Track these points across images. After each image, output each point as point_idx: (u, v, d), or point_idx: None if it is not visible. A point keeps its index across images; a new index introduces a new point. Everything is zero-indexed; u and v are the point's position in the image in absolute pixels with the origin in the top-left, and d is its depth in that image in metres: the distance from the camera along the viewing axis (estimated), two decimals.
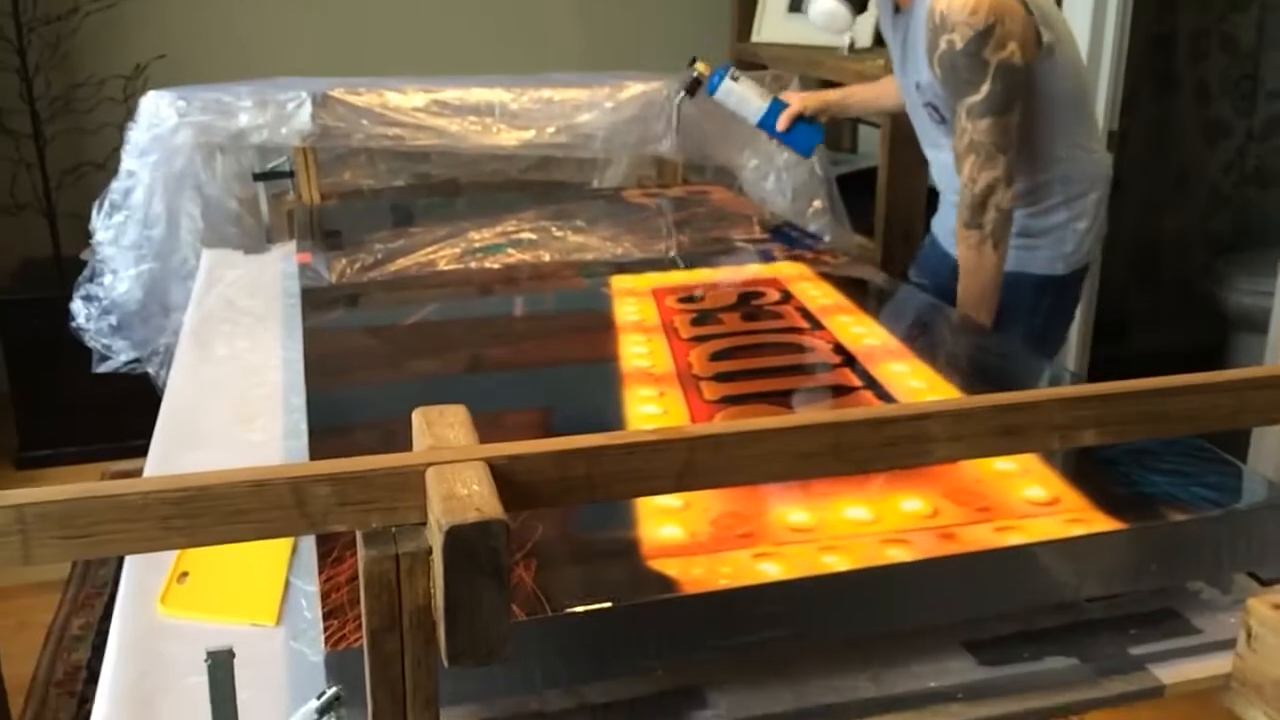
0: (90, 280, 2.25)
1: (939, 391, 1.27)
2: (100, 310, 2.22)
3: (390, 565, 0.62)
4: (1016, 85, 1.64)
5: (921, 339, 1.54)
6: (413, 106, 2.27)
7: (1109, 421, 0.72)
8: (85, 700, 2.15)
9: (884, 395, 1.27)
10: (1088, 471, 1.06)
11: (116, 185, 2.20)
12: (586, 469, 0.66)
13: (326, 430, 1.19)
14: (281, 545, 1.10)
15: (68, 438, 3.03)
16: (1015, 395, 0.72)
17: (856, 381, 1.31)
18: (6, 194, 3.16)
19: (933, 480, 1.04)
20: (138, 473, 2.94)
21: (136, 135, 2.18)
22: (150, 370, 2.28)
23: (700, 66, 2.22)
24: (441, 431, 0.68)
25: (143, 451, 3.09)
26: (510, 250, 2.02)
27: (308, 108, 2.18)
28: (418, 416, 0.71)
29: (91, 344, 2.26)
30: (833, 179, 2.77)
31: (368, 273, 1.87)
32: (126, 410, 2.83)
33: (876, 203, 2.83)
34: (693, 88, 2.24)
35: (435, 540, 0.60)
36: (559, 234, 2.15)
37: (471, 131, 2.31)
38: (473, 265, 1.91)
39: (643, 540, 0.94)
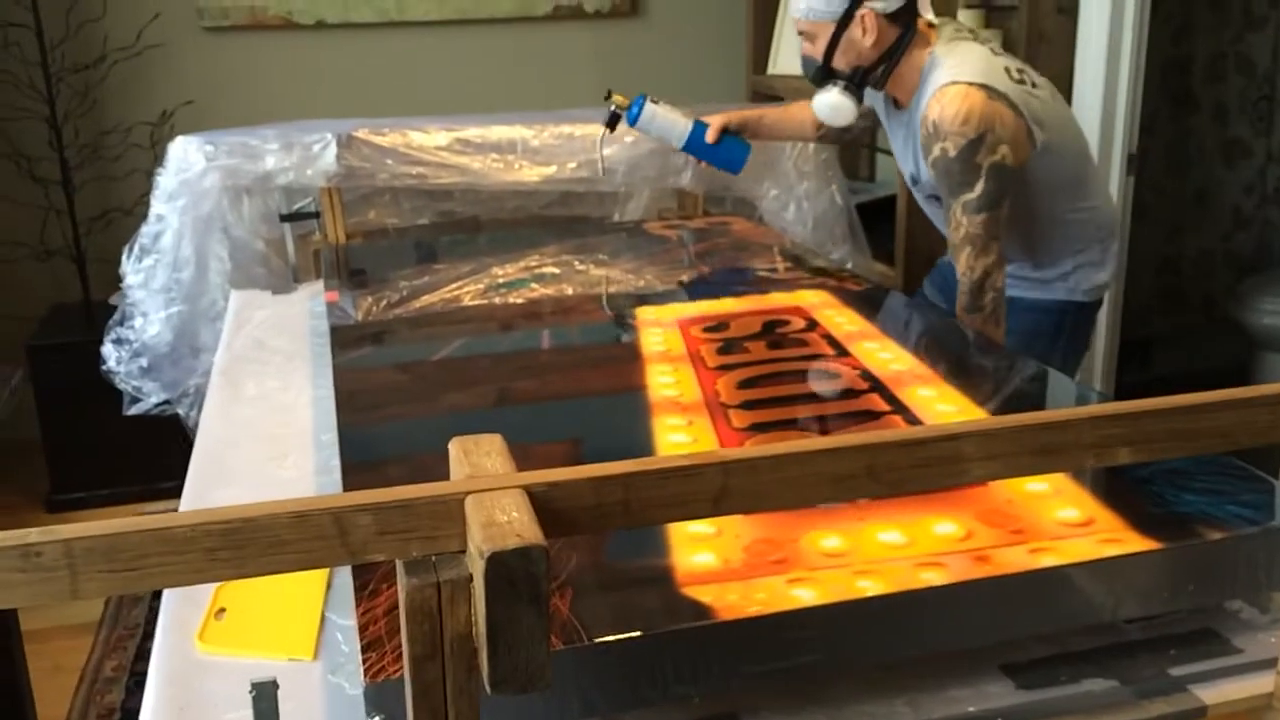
0: (120, 324, 2.29)
1: (969, 415, 1.27)
2: (131, 353, 2.25)
3: (431, 593, 0.62)
4: (1008, 183, 1.69)
5: (948, 363, 1.54)
6: (436, 145, 2.30)
7: (1142, 439, 0.72)
8: None
9: (913, 420, 1.27)
10: (1121, 491, 1.06)
11: (146, 230, 2.24)
12: (623, 494, 0.67)
13: (360, 465, 1.20)
14: (316, 580, 1.11)
15: (98, 480, 3.06)
16: (1048, 414, 0.72)
17: (885, 406, 1.31)
18: (37, 240, 3.22)
19: (964, 503, 1.03)
20: (168, 515, 2.94)
21: (165, 180, 2.22)
22: (180, 411, 2.30)
23: (617, 98, 2.15)
24: (479, 460, 0.69)
25: (173, 493, 3.11)
26: (533, 285, 2.04)
27: (332, 149, 2.22)
28: (455, 446, 0.71)
29: (122, 386, 2.29)
30: (853, 208, 2.78)
31: (393, 310, 1.89)
32: (156, 453, 2.88)
33: (896, 231, 2.84)
34: (612, 121, 2.16)
35: (476, 567, 0.61)
36: (581, 267, 2.16)
37: (494, 169, 2.34)
38: (496, 300, 1.93)
39: (676, 567, 0.94)
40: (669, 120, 2.14)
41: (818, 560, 0.95)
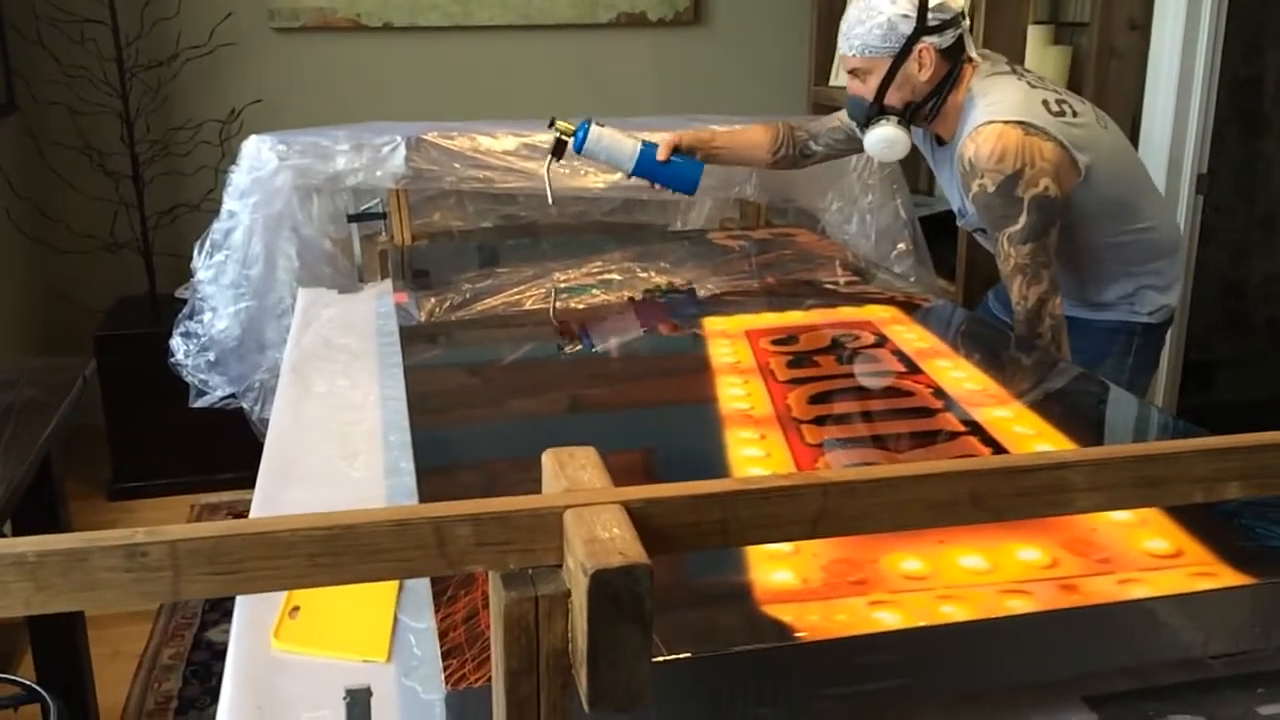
0: (189, 317, 2.32)
1: (1048, 438, 1.25)
2: (199, 347, 2.28)
3: (529, 607, 0.62)
4: (1052, 212, 1.67)
5: (1022, 384, 1.51)
6: (503, 149, 2.31)
7: (1257, 474, 0.70)
8: None
9: (989, 440, 1.25)
10: (1209, 523, 1.03)
11: (217, 226, 2.27)
12: (721, 513, 0.66)
13: (434, 471, 1.20)
14: (390, 582, 1.11)
15: (158, 470, 3.10)
16: (1157, 446, 0.71)
17: (960, 426, 1.29)
18: (107, 233, 3.28)
19: (1049, 530, 1.01)
20: (225, 506, 2.98)
21: (238, 177, 2.25)
22: (245, 405, 2.33)
23: (561, 124, 2.03)
24: (574, 473, 0.69)
25: (230, 485, 3.15)
26: (595, 291, 2.04)
27: (401, 151, 2.24)
28: (549, 458, 0.71)
29: (190, 379, 2.32)
30: (916, 221, 2.76)
31: (456, 312, 1.90)
32: (214, 445, 2.92)
33: (958, 245, 2.81)
34: (559, 149, 2.04)
35: (576, 583, 0.60)
36: (643, 274, 2.16)
37: (559, 174, 2.35)
38: (559, 304, 1.94)
39: (755, 585, 0.93)
40: (616, 143, 2.02)
41: (899, 582, 0.94)
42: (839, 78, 3.42)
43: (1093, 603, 0.92)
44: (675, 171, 2.05)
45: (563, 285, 2.07)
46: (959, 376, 1.45)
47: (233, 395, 2.32)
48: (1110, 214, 1.77)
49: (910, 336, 1.63)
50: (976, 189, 1.67)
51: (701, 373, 1.49)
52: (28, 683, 1.74)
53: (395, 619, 1.07)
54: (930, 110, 1.78)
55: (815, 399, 1.38)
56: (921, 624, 0.88)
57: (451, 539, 0.63)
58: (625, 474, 1.19)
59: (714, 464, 1.19)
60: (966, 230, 1.91)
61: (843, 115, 2.07)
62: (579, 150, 2.04)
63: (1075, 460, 0.69)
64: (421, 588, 1.08)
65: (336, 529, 0.62)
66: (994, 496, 0.69)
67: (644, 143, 2.03)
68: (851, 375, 1.48)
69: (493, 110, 3.35)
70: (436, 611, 0.92)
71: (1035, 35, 2.75)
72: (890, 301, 1.83)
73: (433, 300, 1.95)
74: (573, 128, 2.02)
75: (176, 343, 2.32)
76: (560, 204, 2.55)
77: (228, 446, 2.65)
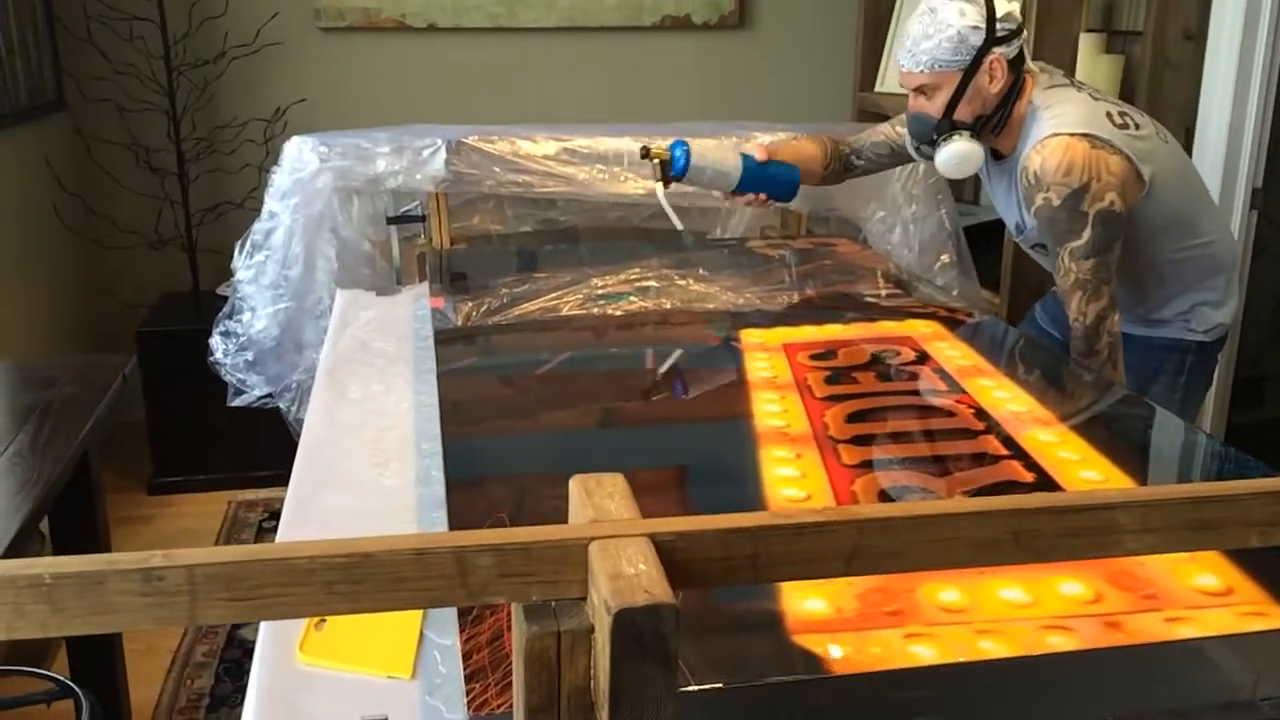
0: (229, 317, 2.33)
1: (1093, 464, 1.21)
2: (237, 346, 2.29)
3: (551, 642, 0.60)
4: (1117, 227, 1.63)
5: (1067, 406, 1.47)
6: (543, 154, 2.30)
7: None
8: None
9: (1032, 465, 1.22)
10: (1261, 560, 1.00)
11: (258, 226, 2.28)
12: (752, 549, 0.64)
13: (464, 484, 1.19)
14: None
15: (198, 466, 3.13)
16: (1211, 487, 0.68)
17: (1002, 450, 1.26)
18: (152, 230, 3.31)
19: (1093, 563, 0.98)
20: (263, 503, 2.98)
21: (279, 178, 2.25)
22: (282, 406, 2.34)
23: (655, 149, 1.93)
24: (601, 502, 0.67)
25: (267, 483, 3.16)
26: (633, 298, 2.02)
27: (442, 154, 2.23)
28: (576, 485, 0.69)
29: (228, 378, 2.33)
30: (961, 231, 2.71)
31: (493, 316, 1.89)
32: (254, 441, 2.94)
33: (1003, 256, 2.75)
34: (664, 177, 1.94)
35: (599, 620, 0.58)
36: (682, 282, 2.14)
37: (599, 180, 2.33)
38: (596, 311, 1.92)
39: (787, 613, 0.91)
40: (721, 160, 1.94)
41: (935, 615, 0.91)
42: (884, 84, 3.38)
43: (1138, 641, 0.88)
44: (777, 177, 1.98)
45: (600, 292, 2.06)
46: (1002, 396, 1.42)
47: (270, 395, 2.33)
48: (1171, 229, 1.73)
49: (953, 353, 1.60)
50: (1041, 202, 1.63)
51: (738, 387, 1.46)
52: (61, 678, 1.75)
53: (421, 635, 1.06)
54: (997, 123, 1.74)
55: (853, 417, 1.35)
56: (958, 660, 0.85)
57: (473, 569, 0.61)
58: (657, 492, 1.18)
59: (748, 483, 1.17)
60: (1024, 246, 1.87)
61: (885, 128, 2.03)
62: (681, 174, 1.93)
63: (1125, 501, 0.66)
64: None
65: (355, 556, 0.60)
66: (1038, 537, 0.66)
67: (745, 156, 1.96)
68: (891, 393, 1.45)
69: (537, 113, 3.34)
70: (461, 631, 0.90)
71: (1087, 44, 2.69)
72: (932, 316, 1.80)
73: (470, 304, 1.94)
74: (666, 153, 1.94)
75: (215, 342, 2.33)
76: (601, 209, 2.53)
77: (267, 443, 2.66)
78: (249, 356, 2.29)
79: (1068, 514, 0.65)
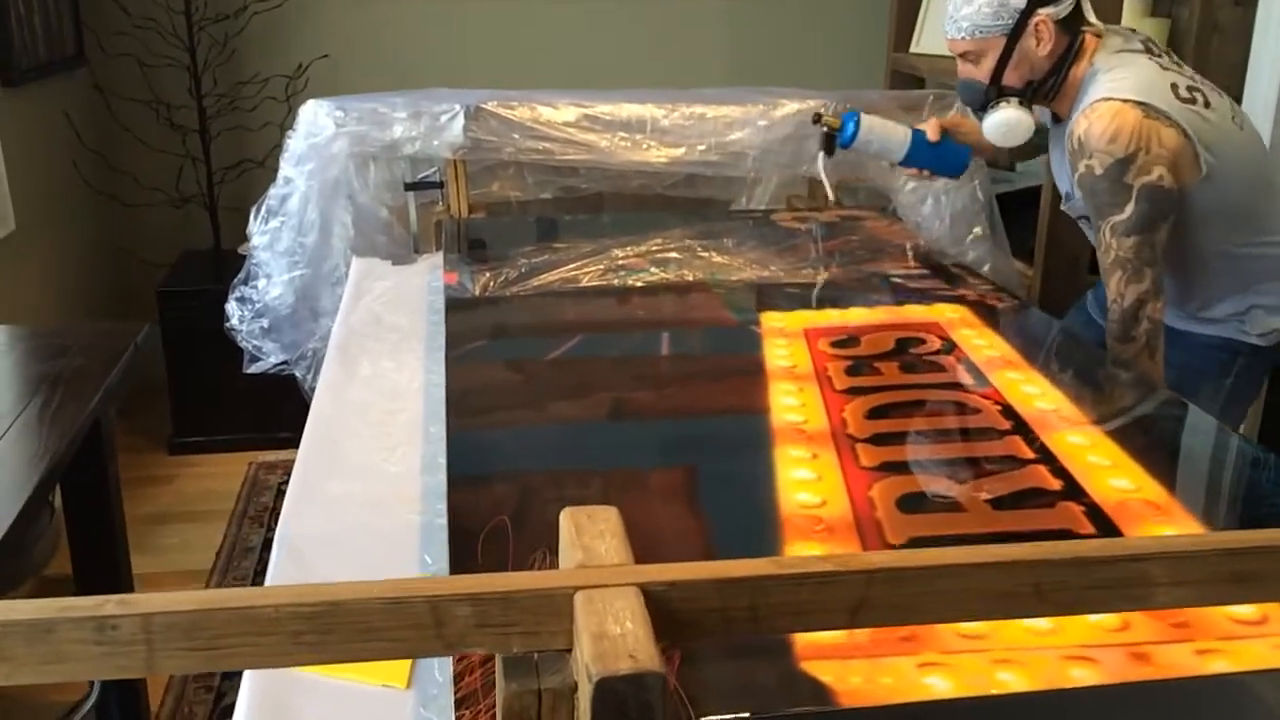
0: (245, 283, 2.30)
1: (1125, 472, 1.16)
2: (253, 313, 2.26)
3: (531, 700, 0.56)
4: (1165, 205, 1.54)
5: (1099, 405, 1.41)
6: (564, 121, 2.23)
7: None
8: (222, 695, 2.20)
9: (1059, 471, 1.16)
10: None
11: (274, 191, 2.24)
12: (750, 599, 0.59)
13: (466, 480, 1.15)
14: None
15: (218, 426, 3.12)
16: (1249, 536, 0.62)
17: (1029, 453, 1.20)
18: (173, 187, 3.28)
19: None
20: (282, 465, 2.94)
21: (295, 143, 2.21)
22: (297, 374, 2.31)
23: (828, 119, 2.01)
24: (591, 542, 0.63)
25: (287, 444, 3.14)
26: (654, 270, 1.97)
27: (460, 120, 2.17)
28: (567, 519, 0.65)
29: (244, 345, 2.31)
30: (994, 203, 2.63)
31: (510, 287, 1.85)
32: (275, 403, 2.91)
33: (1039, 226, 2.67)
34: (829, 146, 2.01)
35: (582, 679, 0.54)
36: (704, 254, 2.09)
37: (621, 147, 2.27)
38: (615, 282, 1.87)
39: (795, 639, 0.87)
40: (888, 132, 1.97)
41: (952, 642, 0.87)
42: (920, 44, 3.27)
43: (1166, 676, 0.84)
44: (946, 154, 1.97)
45: (620, 263, 2.01)
46: (1031, 392, 1.36)
47: (285, 363, 2.30)
48: (1231, 221, 1.63)
49: (980, 343, 1.53)
50: (1083, 169, 1.55)
51: (755, 377, 1.41)
52: None
53: None
54: (1051, 87, 1.65)
55: (873, 413, 1.30)
56: (974, 694, 0.81)
57: (450, 619, 0.57)
58: (665, 494, 1.13)
59: (761, 487, 1.12)
60: (1072, 215, 1.78)
61: None
62: (848, 144, 1.98)
63: (1156, 552, 0.61)
64: None
65: (323, 605, 0.56)
66: (1062, 589, 0.61)
67: (914, 130, 1.96)
68: (914, 387, 1.39)
69: (561, 78, 3.26)
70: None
71: (1131, 6, 2.58)
72: (960, 300, 1.73)
73: (487, 274, 1.90)
74: (838, 121, 1.99)
75: (232, 307, 2.30)
76: (623, 176, 2.47)
77: (288, 406, 2.63)
78: (265, 323, 2.26)
79: (1094, 565, 0.61)
